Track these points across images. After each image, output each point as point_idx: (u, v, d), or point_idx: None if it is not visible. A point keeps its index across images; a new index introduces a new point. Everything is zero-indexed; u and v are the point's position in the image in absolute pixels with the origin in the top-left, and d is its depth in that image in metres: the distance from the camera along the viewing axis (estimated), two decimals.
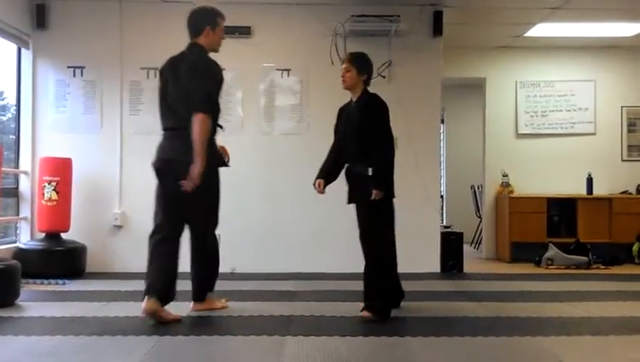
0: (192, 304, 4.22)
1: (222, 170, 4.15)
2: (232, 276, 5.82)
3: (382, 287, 4.07)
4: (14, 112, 6.37)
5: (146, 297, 3.81)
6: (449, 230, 6.81)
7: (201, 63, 3.99)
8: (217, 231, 4.22)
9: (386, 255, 4.17)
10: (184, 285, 4.10)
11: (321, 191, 4.38)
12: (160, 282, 3.85)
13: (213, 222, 4.20)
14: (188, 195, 3.83)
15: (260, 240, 6.33)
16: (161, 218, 4.00)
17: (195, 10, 4.16)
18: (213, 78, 4.00)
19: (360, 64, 4.31)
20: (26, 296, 4.65)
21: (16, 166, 6.31)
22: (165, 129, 4.07)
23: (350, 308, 4.31)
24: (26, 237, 6.22)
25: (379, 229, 4.14)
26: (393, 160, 4.20)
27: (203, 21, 4.09)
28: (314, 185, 4.38)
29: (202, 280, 4.23)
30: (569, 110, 7.94)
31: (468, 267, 6.57)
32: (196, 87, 3.87)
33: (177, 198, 3.90)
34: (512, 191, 7.77)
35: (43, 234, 5.97)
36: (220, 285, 4.67)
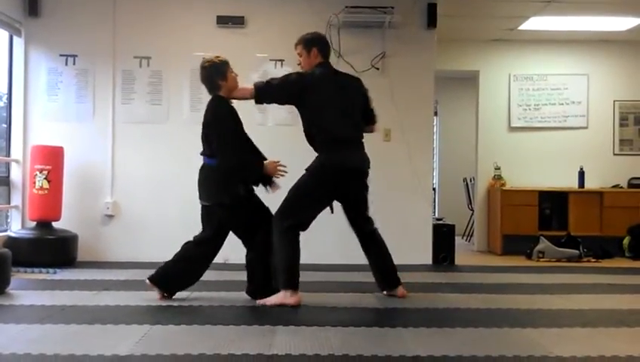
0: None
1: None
2: (226, 266, 5.82)
3: None
4: (6, 101, 6.33)
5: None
6: (441, 222, 6.82)
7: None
8: None
9: None
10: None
11: None
12: None
13: None
14: None
15: None
16: None
17: None
18: None
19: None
20: (16, 285, 4.63)
21: (8, 154, 6.28)
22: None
23: (342, 298, 4.33)
24: (16, 226, 6.19)
25: None
26: None
27: None
28: None
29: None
30: (562, 104, 7.96)
31: (459, 259, 6.59)
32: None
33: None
34: (504, 184, 7.79)
35: (34, 223, 5.95)
36: (213, 275, 4.67)
